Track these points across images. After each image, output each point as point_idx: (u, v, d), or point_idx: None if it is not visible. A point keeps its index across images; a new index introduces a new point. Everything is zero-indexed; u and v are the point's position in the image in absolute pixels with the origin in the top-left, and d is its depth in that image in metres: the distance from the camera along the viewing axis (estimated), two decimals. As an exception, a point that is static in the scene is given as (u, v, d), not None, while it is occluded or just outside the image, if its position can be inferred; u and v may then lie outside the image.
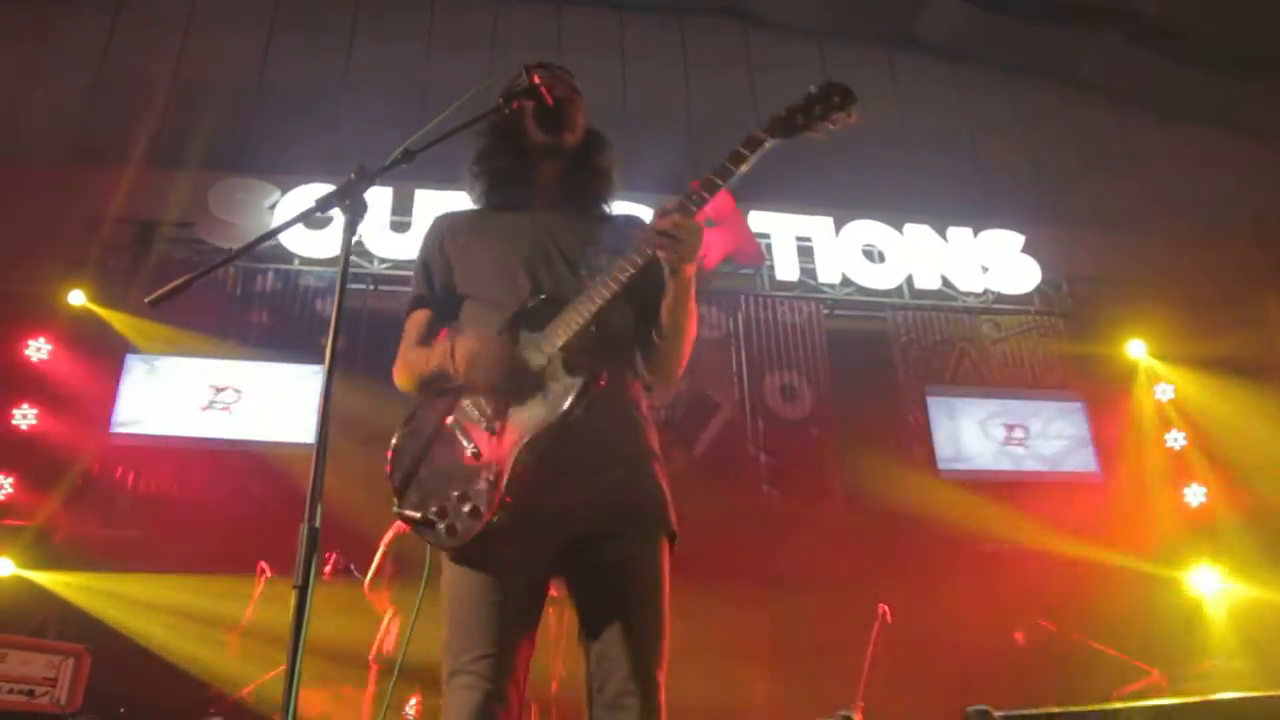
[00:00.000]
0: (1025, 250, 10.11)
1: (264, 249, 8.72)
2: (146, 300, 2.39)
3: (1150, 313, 9.73)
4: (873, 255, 9.91)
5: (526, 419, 2.38)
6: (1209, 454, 9.40)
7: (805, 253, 9.79)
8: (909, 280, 9.89)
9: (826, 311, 9.76)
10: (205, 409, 8.11)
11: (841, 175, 9.96)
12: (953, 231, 10.11)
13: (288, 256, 8.84)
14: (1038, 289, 10.12)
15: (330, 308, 8.59)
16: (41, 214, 8.67)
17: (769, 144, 2.54)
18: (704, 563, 8.06)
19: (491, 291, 2.63)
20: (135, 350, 8.17)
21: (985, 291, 10.03)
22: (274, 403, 8.14)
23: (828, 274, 9.74)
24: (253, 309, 8.67)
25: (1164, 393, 9.56)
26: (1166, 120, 12.09)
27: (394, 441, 2.55)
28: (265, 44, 11.00)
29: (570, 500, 2.40)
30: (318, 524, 1.99)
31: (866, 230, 9.95)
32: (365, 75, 10.58)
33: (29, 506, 7.55)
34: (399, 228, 9.00)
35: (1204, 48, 11.32)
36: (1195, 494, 9.18)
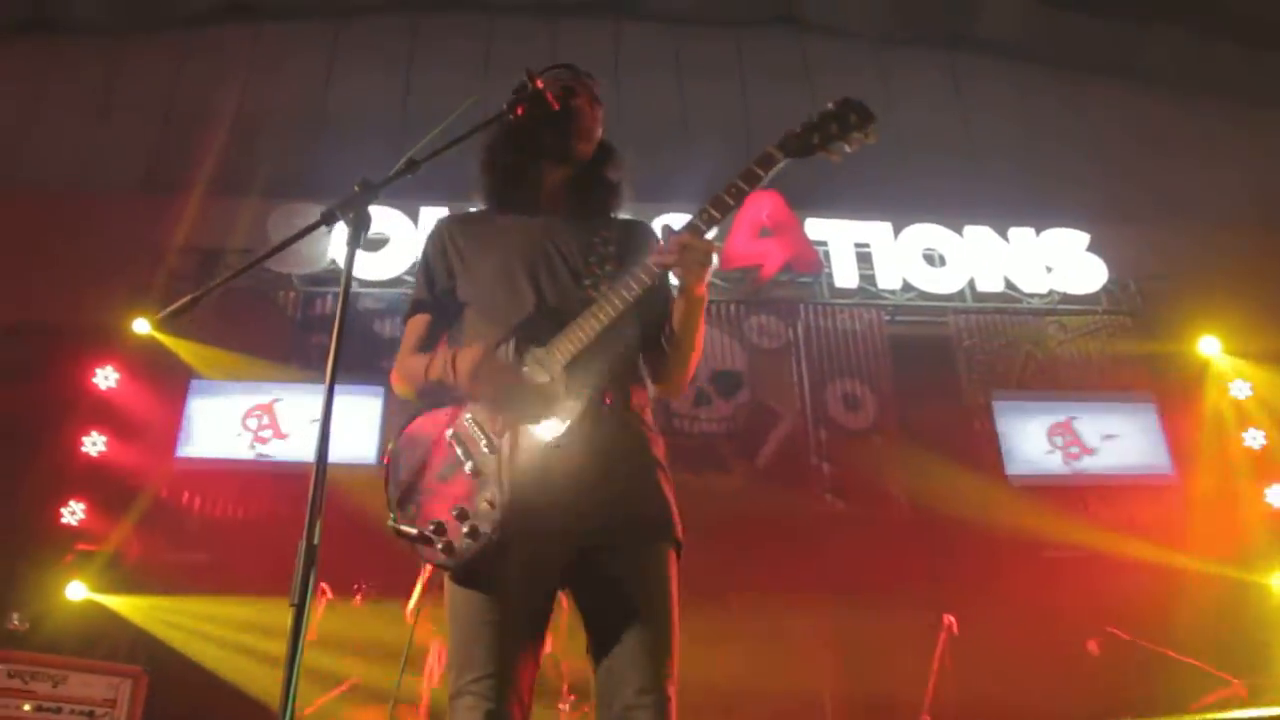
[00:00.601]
0: (1090, 249, 9.86)
1: (322, 272, 8.87)
2: (158, 318, 2.43)
3: (1223, 308, 9.43)
4: (933, 259, 9.75)
5: (530, 438, 2.37)
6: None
7: (864, 259, 9.66)
8: (971, 283, 9.69)
9: (887, 318, 9.61)
10: (268, 432, 8.23)
11: (899, 179, 9.84)
12: (1014, 232, 9.89)
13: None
14: (1104, 288, 9.84)
15: (386, 329, 8.74)
16: (108, 244, 8.88)
17: (783, 163, 2.51)
18: (767, 572, 8.09)
19: (493, 298, 2.63)
20: (199, 376, 8.32)
21: (1050, 292, 9.79)
22: (335, 424, 8.20)
23: (888, 280, 9.60)
24: (313, 332, 8.79)
25: (1241, 390, 9.25)
26: (1238, 107, 11.75)
27: (389, 450, 2.54)
28: (326, 73, 11.21)
29: (573, 516, 2.37)
30: (316, 541, 2.00)
31: (926, 234, 9.78)
32: (424, 100, 10.70)
33: (100, 532, 7.72)
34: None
35: (1274, 30, 10.97)
36: (1278, 495, 8.86)
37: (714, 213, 2.49)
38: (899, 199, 9.88)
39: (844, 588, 8.33)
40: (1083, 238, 9.89)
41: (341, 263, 8.68)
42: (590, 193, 2.83)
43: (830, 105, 2.52)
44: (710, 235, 2.50)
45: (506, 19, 11.52)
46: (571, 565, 2.44)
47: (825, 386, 9.20)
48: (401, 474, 2.48)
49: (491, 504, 2.32)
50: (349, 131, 10.21)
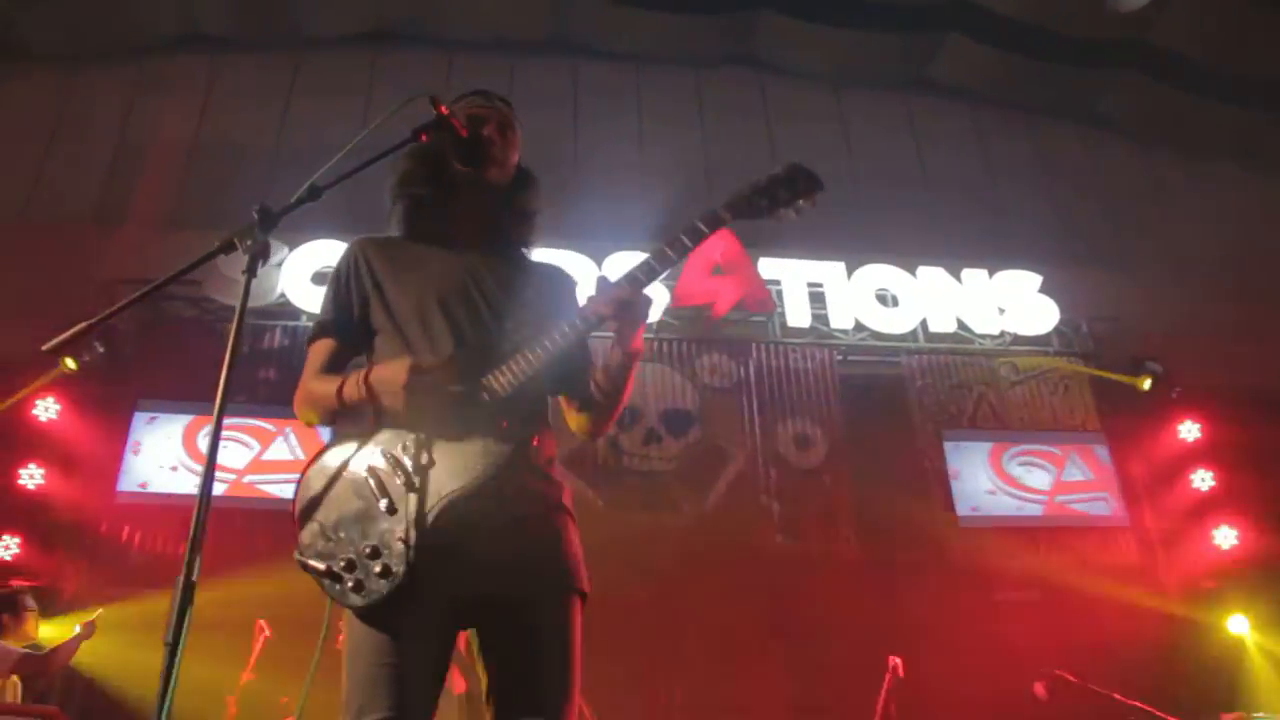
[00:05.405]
0: (1042, 290, 9.91)
1: (270, 306, 8.79)
2: (43, 348, 2.36)
3: (1172, 350, 9.49)
4: (886, 299, 9.77)
5: (450, 480, 2.29)
6: (1240, 494, 9.08)
7: (817, 298, 9.66)
8: (923, 324, 9.72)
9: (839, 358, 9.61)
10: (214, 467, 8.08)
11: (854, 220, 9.88)
12: (967, 273, 9.94)
13: (295, 313, 8.85)
14: (1056, 329, 9.90)
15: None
16: (54, 275, 8.78)
17: (729, 223, 2.48)
18: (717, 613, 8.03)
19: (406, 330, 2.55)
20: (142, 409, 8.20)
21: (1002, 333, 9.84)
22: (280, 460, 8.12)
23: (840, 320, 9.60)
24: (260, 366, 8.69)
25: (1190, 431, 9.27)
26: (1188, 156, 11.91)
27: (301, 481, 2.43)
28: (284, 105, 11.16)
29: (480, 559, 2.31)
30: (194, 577, 1.92)
31: (879, 274, 9.81)
32: (381, 134, 10.62)
33: (36, 567, 7.56)
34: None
35: (1224, 80, 11.12)
36: (1226, 536, 8.85)
37: (656, 266, 2.44)
38: (853, 239, 9.91)
39: (793, 627, 8.29)
40: (1034, 279, 9.94)
41: (291, 297, 8.64)
42: (506, 224, 2.76)
43: (779, 170, 2.49)
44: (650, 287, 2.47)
45: (465, 55, 11.52)
46: (477, 607, 2.37)
47: (776, 426, 9.17)
48: (312, 507, 2.38)
49: (405, 542, 2.24)
50: (305, 163, 10.12)
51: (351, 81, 11.22)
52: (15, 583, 7.19)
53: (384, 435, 2.40)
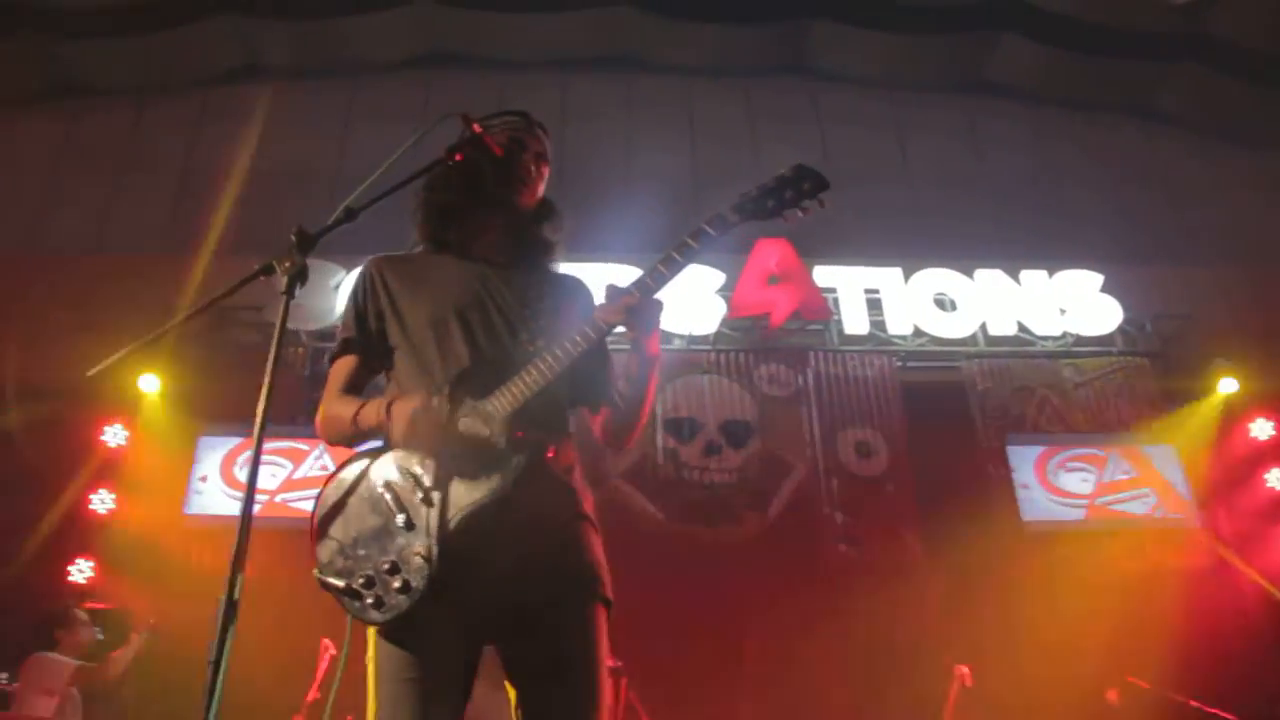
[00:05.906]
0: (1105, 289, 9.71)
1: (329, 328, 8.86)
2: (89, 373, 2.41)
3: (1241, 347, 9.27)
4: (944, 304, 9.65)
5: (467, 493, 2.31)
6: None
7: (874, 305, 9.58)
8: (983, 327, 9.57)
9: (899, 364, 9.51)
10: (277, 489, 8.23)
11: (910, 224, 9.80)
12: (1026, 275, 9.77)
13: (355, 334, 8.96)
14: (1120, 329, 9.68)
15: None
16: (126, 304, 8.95)
17: (736, 225, 2.50)
18: (781, 623, 7.99)
19: (425, 347, 2.58)
20: (208, 434, 8.35)
21: (1064, 334, 9.64)
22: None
23: (898, 326, 9.51)
24: (318, 388, 8.77)
25: (1262, 430, 9.06)
26: (1249, 147, 11.66)
27: (319, 499, 2.47)
28: (342, 131, 11.36)
29: (500, 571, 2.33)
30: (236, 596, 1.96)
31: (936, 278, 9.68)
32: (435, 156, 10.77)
33: (108, 589, 7.72)
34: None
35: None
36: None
37: (664, 270, 2.47)
38: (909, 243, 9.83)
39: (859, 636, 8.22)
40: (1096, 279, 9.75)
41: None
42: (527, 249, 2.80)
43: (785, 171, 2.51)
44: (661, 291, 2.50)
45: (518, 75, 11.62)
46: (500, 620, 2.38)
47: (837, 435, 9.10)
48: (330, 524, 2.42)
49: (424, 557, 2.26)
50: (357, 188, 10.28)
51: (407, 105, 11.37)
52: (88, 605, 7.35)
53: (401, 450, 2.42)
